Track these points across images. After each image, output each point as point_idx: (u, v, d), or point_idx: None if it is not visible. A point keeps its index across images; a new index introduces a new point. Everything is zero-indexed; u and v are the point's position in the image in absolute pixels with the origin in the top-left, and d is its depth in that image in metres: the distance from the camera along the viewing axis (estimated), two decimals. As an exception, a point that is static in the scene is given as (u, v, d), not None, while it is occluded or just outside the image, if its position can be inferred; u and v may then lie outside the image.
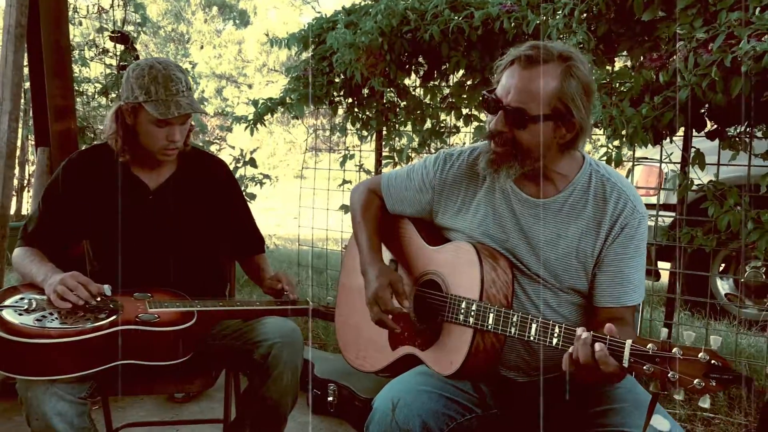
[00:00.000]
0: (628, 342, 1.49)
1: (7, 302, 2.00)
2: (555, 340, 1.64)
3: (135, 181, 2.26)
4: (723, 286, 4.40)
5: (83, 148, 2.61)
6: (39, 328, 1.89)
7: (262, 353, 2.09)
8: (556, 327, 1.64)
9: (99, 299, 2.04)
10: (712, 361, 1.40)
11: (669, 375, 1.42)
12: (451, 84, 3.64)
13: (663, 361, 1.44)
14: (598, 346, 1.50)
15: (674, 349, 1.43)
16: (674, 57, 2.62)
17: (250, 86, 19.09)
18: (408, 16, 3.35)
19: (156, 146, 2.19)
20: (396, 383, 1.82)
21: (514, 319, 1.71)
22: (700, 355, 1.40)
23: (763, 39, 2.34)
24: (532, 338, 1.67)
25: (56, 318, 1.95)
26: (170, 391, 2.67)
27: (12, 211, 5.86)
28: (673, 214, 3.42)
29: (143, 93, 2.12)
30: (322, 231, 4.45)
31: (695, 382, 1.40)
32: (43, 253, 2.20)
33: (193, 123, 2.27)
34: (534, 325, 1.67)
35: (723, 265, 4.38)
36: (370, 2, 3.71)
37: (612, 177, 1.84)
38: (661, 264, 3.90)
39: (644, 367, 1.45)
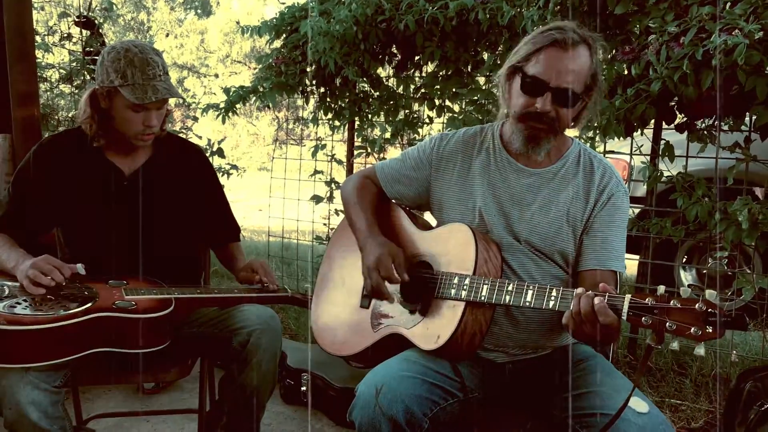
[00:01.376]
0: (627, 296, 1.55)
1: (-22, 289, 1.95)
2: (552, 303, 1.68)
3: (109, 166, 2.21)
4: (686, 277, 4.50)
5: (48, 134, 2.55)
6: (11, 315, 1.84)
7: (241, 341, 2.07)
8: (554, 290, 1.69)
9: (73, 285, 2.00)
10: (709, 310, 1.45)
11: (667, 324, 1.47)
12: (425, 75, 3.64)
13: (661, 312, 1.49)
14: (597, 299, 1.56)
15: (672, 301, 1.49)
16: (646, 50, 2.66)
17: (216, 76, 18.85)
18: (383, 5, 3.35)
19: (132, 131, 2.14)
20: (379, 369, 1.83)
21: (510, 288, 1.75)
22: (697, 305, 1.46)
23: (733, 33, 2.39)
24: (528, 304, 1.72)
25: (30, 305, 1.91)
26: (146, 380, 2.61)
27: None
28: (638, 206, 3.48)
29: (119, 77, 2.06)
30: (293, 222, 4.42)
31: (692, 330, 1.45)
32: (13, 240, 2.14)
33: (169, 107, 2.23)
34: (530, 291, 1.72)
35: (686, 257, 4.47)
36: (343, -9, 3.69)
37: (597, 156, 1.97)
38: (627, 255, 3.96)
39: (642, 319, 1.51)
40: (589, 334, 1.60)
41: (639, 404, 1.66)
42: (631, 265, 3.65)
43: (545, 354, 1.95)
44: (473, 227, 1.89)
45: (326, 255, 2.26)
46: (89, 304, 1.94)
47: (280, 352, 2.17)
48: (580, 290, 1.61)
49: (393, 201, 2.17)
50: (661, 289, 1.54)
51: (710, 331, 1.44)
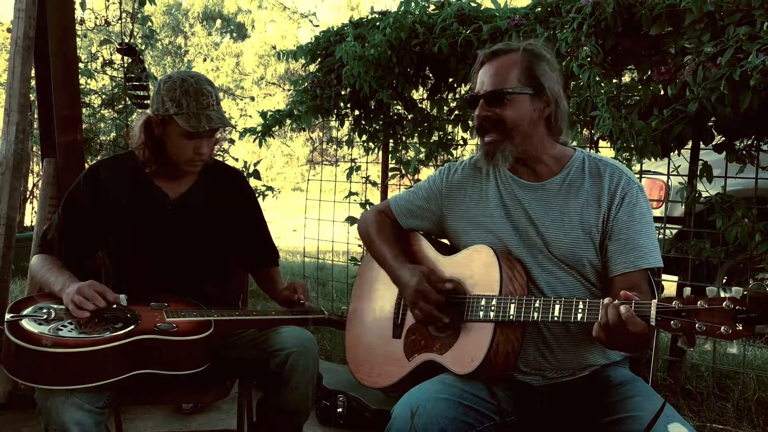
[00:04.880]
0: (654, 302, 1.54)
1: (26, 311, 2.01)
2: (580, 315, 1.68)
3: (156, 190, 2.28)
4: (726, 299, 4.41)
5: (90, 158, 2.62)
6: (56, 338, 1.90)
7: (279, 363, 2.10)
8: (580, 303, 1.69)
9: (117, 308, 2.05)
10: (737, 307, 1.43)
11: (696, 326, 1.46)
12: (459, 96, 3.66)
13: (689, 314, 1.48)
14: (623, 307, 1.55)
15: (699, 302, 1.47)
16: (682, 71, 2.65)
17: (252, 98, 19.14)
18: (416, 29, 3.38)
19: (183, 158, 2.21)
20: (415, 392, 1.83)
21: (537, 304, 1.76)
22: (724, 304, 1.44)
23: (771, 53, 2.37)
24: (556, 318, 1.72)
25: (75, 327, 1.96)
26: (186, 400, 2.67)
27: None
28: (677, 226, 3.44)
29: (174, 105, 2.14)
30: (327, 243, 4.46)
31: (722, 328, 1.44)
32: (61, 262, 2.20)
33: (219, 136, 2.30)
34: (557, 305, 1.72)
35: (726, 278, 4.40)
36: (377, 16, 3.74)
37: (603, 158, 1.96)
38: (665, 276, 3.91)
39: (671, 323, 1.50)
40: (620, 344, 1.61)
41: (680, 430, 1.63)
42: (669, 286, 3.60)
43: (582, 377, 1.93)
44: (494, 247, 1.90)
45: (355, 288, 2.31)
46: (132, 327, 1.98)
47: (317, 374, 2.18)
48: (606, 300, 1.61)
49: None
50: (686, 291, 1.52)
51: (740, 328, 1.43)
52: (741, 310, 1.43)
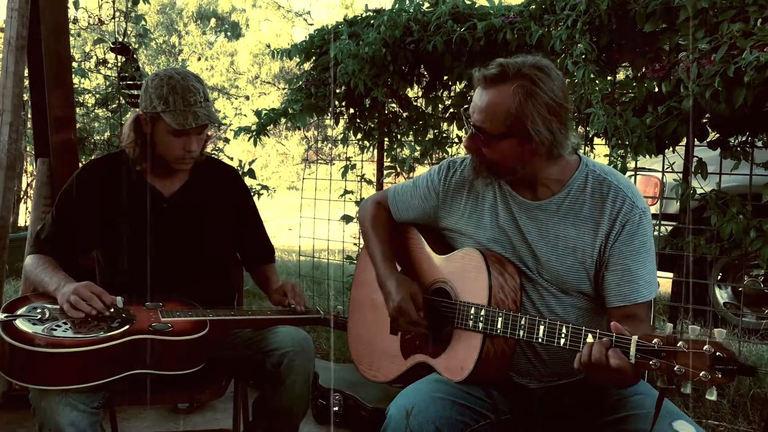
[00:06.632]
0: (634, 338, 1.50)
1: (20, 311, 2.00)
2: (563, 341, 1.65)
3: (149, 189, 2.27)
4: (722, 295, 4.43)
5: (84, 157, 2.61)
6: (50, 338, 1.89)
7: (275, 362, 2.09)
8: (563, 327, 1.66)
9: (112, 309, 2.04)
10: (717, 353, 1.40)
11: (675, 369, 1.42)
12: (453, 94, 3.66)
13: (669, 355, 1.44)
14: (611, 352, 1.51)
15: (679, 343, 1.44)
16: (676, 67, 2.65)
17: (247, 98, 19.12)
18: (411, 27, 3.38)
19: (173, 155, 2.20)
20: (410, 391, 1.83)
21: (522, 322, 1.73)
22: (705, 348, 1.41)
23: (765, 49, 2.37)
24: (540, 340, 1.69)
25: (69, 327, 1.95)
26: (181, 400, 2.66)
27: (8, 223, 5.80)
28: (671, 223, 3.45)
29: (162, 103, 2.12)
30: (322, 241, 4.46)
31: (701, 374, 1.40)
32: (55, 262, 2.19)
33: (210, 132, 2.28)
34: (542, 327, 1.69)
35: (721, 274, 4.41)
36: (371, 14, 3.74)
37: (609, 176, 1.83)
38: (660, 273, 3.92)
39: (650, 362, 1.46)
40: (602, 379, 1.56)
41: (686, 428, 1.63)
42: (665, 283, 3.61)
43: (579, 379, 1.88)
44: (485, 251, 1.86)
45: (354, 278, 2.29)
46: (127, 327, 1.98)
47: (313, 373, 2.18)
48: (589, 338, 1.59)
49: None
50: (669, 328, 1.49)
51: (720, 376, 1.39)
52: (721, 357, 1.39)
